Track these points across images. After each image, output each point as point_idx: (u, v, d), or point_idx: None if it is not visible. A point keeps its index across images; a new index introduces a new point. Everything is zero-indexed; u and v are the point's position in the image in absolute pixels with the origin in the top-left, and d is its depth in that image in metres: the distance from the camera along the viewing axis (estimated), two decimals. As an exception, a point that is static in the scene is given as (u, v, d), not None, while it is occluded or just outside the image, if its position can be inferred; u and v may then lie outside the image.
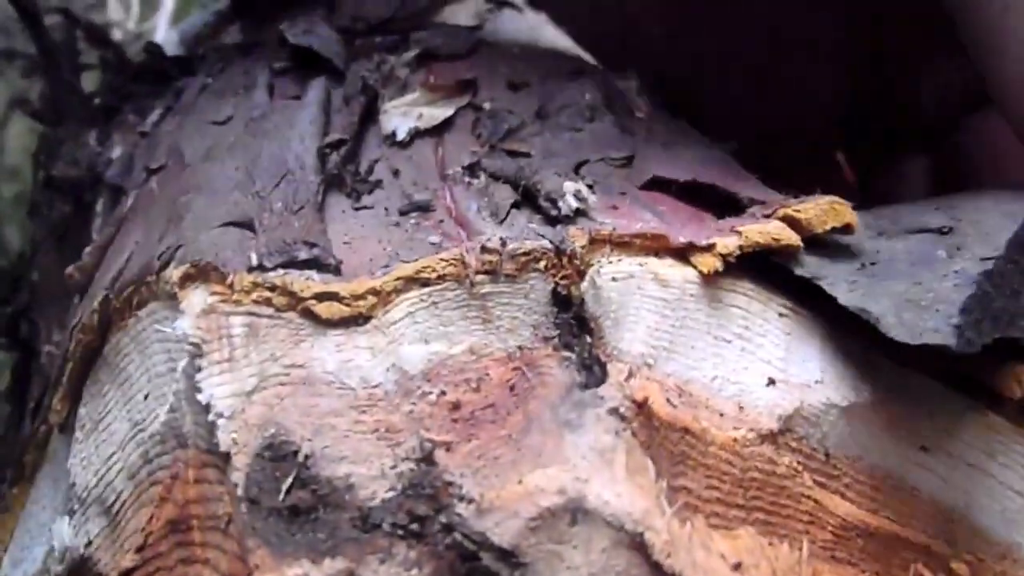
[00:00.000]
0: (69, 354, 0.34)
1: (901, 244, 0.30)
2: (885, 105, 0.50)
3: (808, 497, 0.27)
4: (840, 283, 0.28)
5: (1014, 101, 0.35)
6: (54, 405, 0.34)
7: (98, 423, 0.32)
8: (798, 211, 0.30)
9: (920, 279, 0.27)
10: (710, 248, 0.29)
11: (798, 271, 0.29)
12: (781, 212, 0.30)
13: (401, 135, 0.39)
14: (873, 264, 0.29)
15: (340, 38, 0.46)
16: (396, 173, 0.37)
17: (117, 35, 0.89)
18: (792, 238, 0.30)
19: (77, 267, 0.37)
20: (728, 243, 0.30)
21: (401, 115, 0.40)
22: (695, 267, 0.29)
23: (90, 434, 0.32)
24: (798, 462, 0.27)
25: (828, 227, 0.30)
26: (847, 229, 0.31)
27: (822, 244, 0.30)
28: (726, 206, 0.34)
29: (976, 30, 0.36)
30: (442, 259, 0.29)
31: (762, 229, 0.30)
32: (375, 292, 0.29)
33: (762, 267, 0.30)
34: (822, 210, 0.30)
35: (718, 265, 0.29)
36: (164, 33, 0.86)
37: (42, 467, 0.37)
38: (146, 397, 0.30)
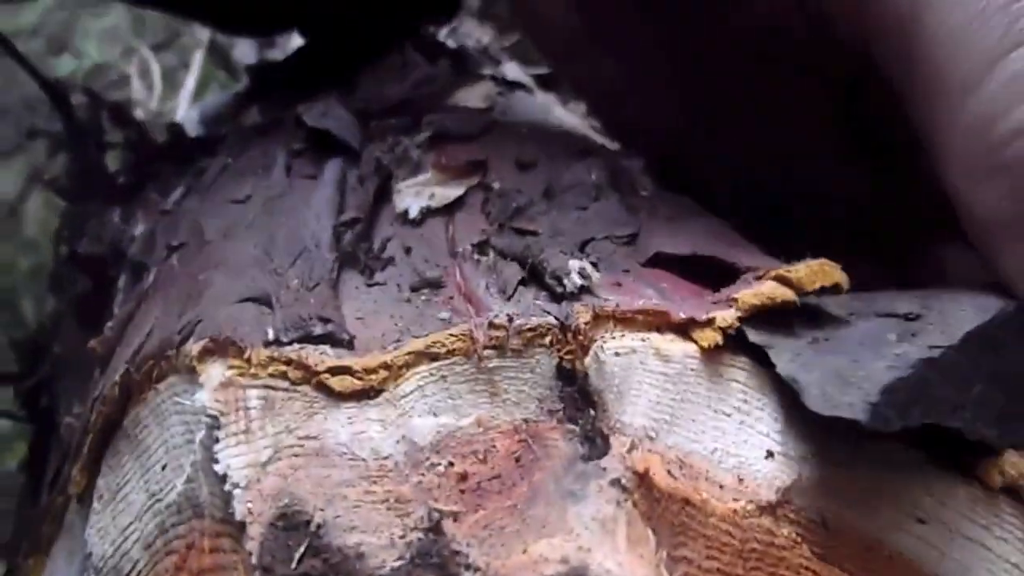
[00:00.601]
0: (89, 426, 0.35)
1: (863, 325, 0.30)
2: (906, 194, 0.49)
3: (807, 568, 0.27)
4: (785, 353, 0.29)
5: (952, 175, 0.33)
6: (73, 476, 0.35)
7: (116, 494, 0.33)
8: (789, 272, 0.31)
9: (859, 357, 0.28)
10: (710, 323, 0.30)
11: (752, 337, 0.30)
12: (772, 274, 0.31)
13: (413, 214, 0.40)
14: (826, 340, 0.30)
15: (355, 120, 0.48)
16: (408, 251, 0.38)
17: (140, 114, 0.92)
18: (787, 294, 0.31)
19: (99, 341, 0.38)
20: (727, 315, 0.31)
21: (414, 194, 0.42)
22: (695, 342, 0.30)
23: (108, 504, 0.33)
24: (797, 533, 0.28)
25: (818, 286, 0.31)
26: (836, 288, 0.32)
27: (781, 316, 0.31)
28: (726, 276, 0.35)
29: (919, 114, 0.34)
30: (451, 334, 0.30)
31: (756, 292, 0.31)
32: (386, 366, 0.30)
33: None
34: (812, 270, 0.31)
35: (718, 339, 0.30)
36: (185, 112, 0.89)
37: (58, 539, 0.38)
38: (163, 468, 0.31)
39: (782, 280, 0.31)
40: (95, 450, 0.35)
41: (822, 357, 0.29)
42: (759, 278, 0.32)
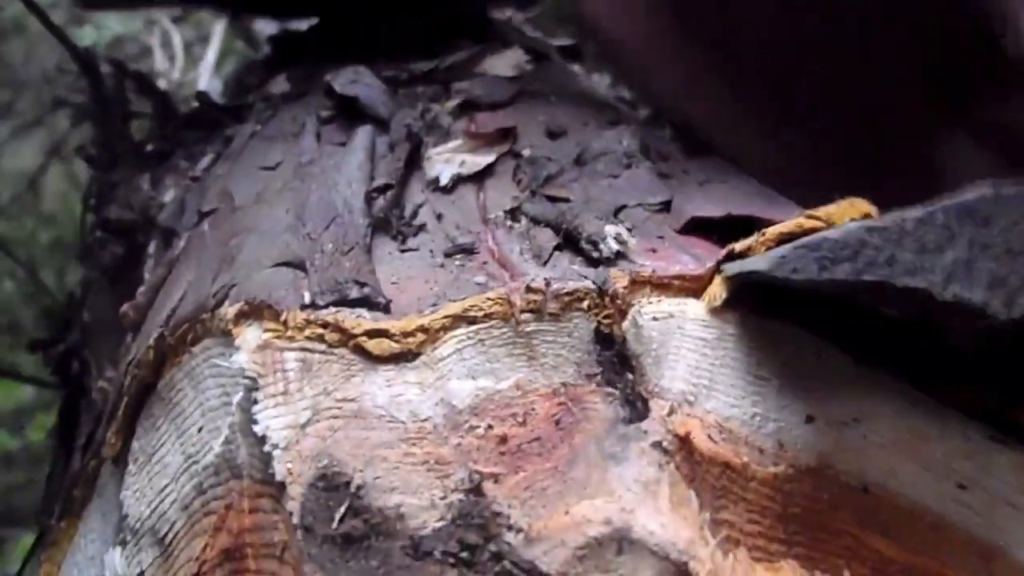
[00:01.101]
0: (124, 390, 0.35)
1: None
2: None
3: (848, 533, 0.27)
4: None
5: None
6: (108, 439, 0.35)
7: (151, 456, 0.33)
8: (818, 211, 0.31)
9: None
10: (729, 254, 0.30)
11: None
12: (800, 214, 0.31)
13: (444, 180, 0.40)
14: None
15: (385, 87, 0.47)
16: (440, 217, 0.38)
17: (162, 84, 0.92)
18: (816, 223, 0.30)
19: (131, 306, 0.38)
20: (747, 241, 0.30)
21: (444, 161, 0.42)
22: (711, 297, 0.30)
23: (143, 467, 0.33)
24: (838, 498, 0.27)
25: (847, 218, 0.31)
26: (867, 218, 0.31)
27: None
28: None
29: None
30: (489, 298, 0.30)
31: (785, 223, 0.30)
32: (424, 329, 0.30)
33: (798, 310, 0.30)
34: (841, 207, 0.31)
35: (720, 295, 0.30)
36: (207, 83, 0.89)
37: (91, 501, 0.38)
38: (200, 430, 0.31)
39: (811, 218, 0.31)
40: (129, 414, 0.35)
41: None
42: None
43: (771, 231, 0.30)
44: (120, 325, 0.41)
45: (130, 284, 0.43)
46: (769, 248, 0.30)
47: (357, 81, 0.47)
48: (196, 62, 1.02)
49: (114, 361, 0.41)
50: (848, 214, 0.30)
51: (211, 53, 0.97)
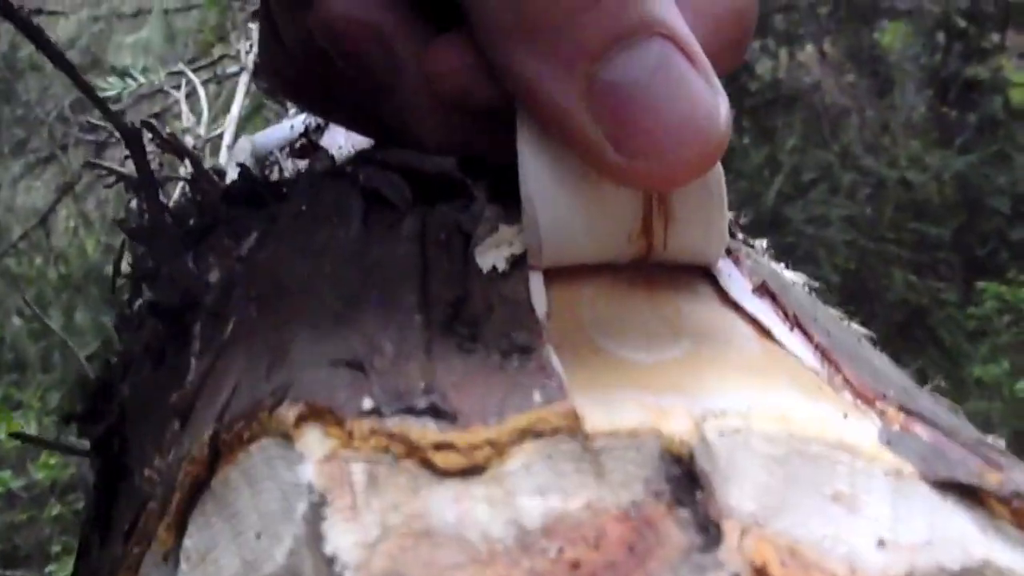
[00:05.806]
0: (177, 484, 0.35)
1: None
2: None
3: (923, 664, 0.27)
4: None
5: None
6: (159, 534, 0.35)
7: (204, 556, 0.33)
8: None
9: None
10: None
11: None
12: None
13: (500, 267, 0.40)
14: None
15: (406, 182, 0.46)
16: (493, 310, 0.38)
17: (188, 141, 0.92)
18: None
19: (180, 396, 0.38)
20: None
21: (495, 248, 0.41)
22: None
23: (196, 566, 0.33)
24: (912, 627, 0.27)
25: None
26: None
27: None
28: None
29: None
30: (555, 412, 0.30)
31: None
32: (492, 443, 0.29)
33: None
34: None
35: None
36: (231, 138, 0.89)
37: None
38: (258, 536, 0.31)
39: None
40: (182, 510, 0.34)
41: None
42: None
43: None
44: (162, 407, 0.41)
45: (174, 366, 0.43)
46: None
47: (380, 173, 0.46)
48: (222, 119, 1.02)
49: (157, 445, 0.41)
50: None
51: (235, 108, 0.97)
